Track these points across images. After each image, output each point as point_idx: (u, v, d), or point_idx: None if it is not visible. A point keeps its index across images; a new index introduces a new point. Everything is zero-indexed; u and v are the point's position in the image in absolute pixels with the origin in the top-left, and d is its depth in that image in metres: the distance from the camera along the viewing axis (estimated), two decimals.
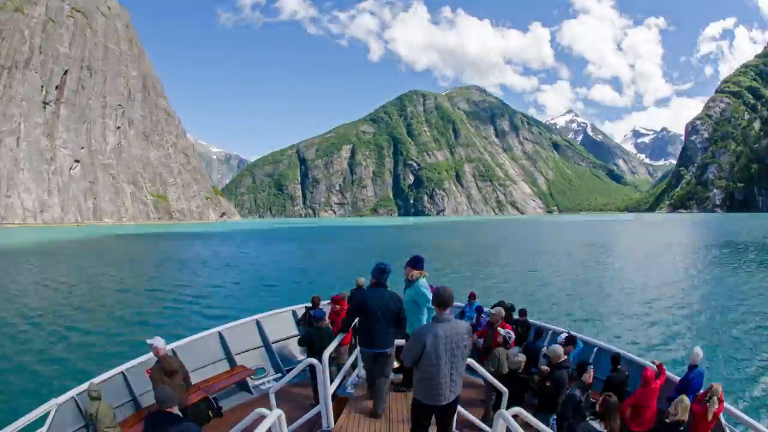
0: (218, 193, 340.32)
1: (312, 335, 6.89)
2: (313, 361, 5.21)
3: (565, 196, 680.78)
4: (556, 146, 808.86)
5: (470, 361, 5.06)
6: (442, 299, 4.24)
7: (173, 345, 7.47)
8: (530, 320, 9.07)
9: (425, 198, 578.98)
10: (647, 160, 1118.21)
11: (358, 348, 6.31)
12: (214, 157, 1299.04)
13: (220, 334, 8.50)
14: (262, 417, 3.48)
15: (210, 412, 7.04)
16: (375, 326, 5.48)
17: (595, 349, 8.16)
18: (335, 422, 5.37)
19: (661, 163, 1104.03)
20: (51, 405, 5.64)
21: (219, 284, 27.24)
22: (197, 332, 8.38)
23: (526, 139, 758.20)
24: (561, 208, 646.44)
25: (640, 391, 5.95)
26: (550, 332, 8.86)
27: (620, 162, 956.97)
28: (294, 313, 9.74)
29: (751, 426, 5.25)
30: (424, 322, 5.31)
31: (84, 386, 6.04)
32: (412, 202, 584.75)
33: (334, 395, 5.60)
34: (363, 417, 5.55)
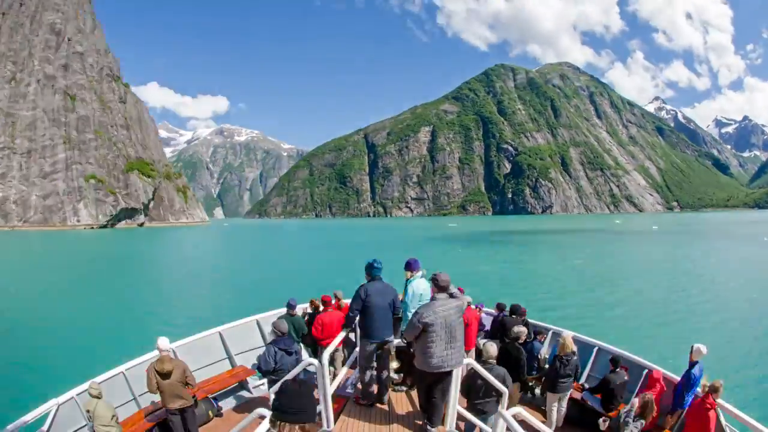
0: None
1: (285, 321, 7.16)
2: (313, 361, 5.33)
3: (682, 189, 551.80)
4: (660, 131, 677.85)
5: (470, 361, 5.40)
6: (438, 284, 5.15)
7: (173, 345, 7.50)
8: (529, 320, 9.16)
9: (527, 191, 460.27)
10: (734, 151, 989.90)
11: (357, 347, 6.51)
12: (285, 153, 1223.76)
13: (221, 334, 8.55)
14: (262, 417, 3.50)
15: (210, 412, 7.05)
16: (378, 316, 5.95)
17: (595, 349, 8.35)
18: (335, 422, 5.38)
19: (747, 154, 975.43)
20: (52, 404, 5.65)
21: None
22: (198, 332, 8.43)
23: (630, 122, 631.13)
24: (682, 204, 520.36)
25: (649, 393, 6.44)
26: (550, 332, 9.13)
27: (714, 153, 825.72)
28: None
29: (752, 426, 5.19)
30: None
31: (85, 386, 6.02)
32: (510, 196, 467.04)
33: (333, 395, 5.65)
34: (363, 417, 5.58)
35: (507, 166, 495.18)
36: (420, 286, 6.27)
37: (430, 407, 5.34)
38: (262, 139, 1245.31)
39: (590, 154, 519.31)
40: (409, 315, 5.82)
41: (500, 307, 9.15)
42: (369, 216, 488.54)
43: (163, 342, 6.24)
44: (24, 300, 24.76)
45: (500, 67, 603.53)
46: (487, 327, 9.21)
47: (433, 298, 5.18)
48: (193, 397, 6.51)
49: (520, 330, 7.22)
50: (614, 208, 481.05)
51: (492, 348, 5.96)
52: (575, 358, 6.94)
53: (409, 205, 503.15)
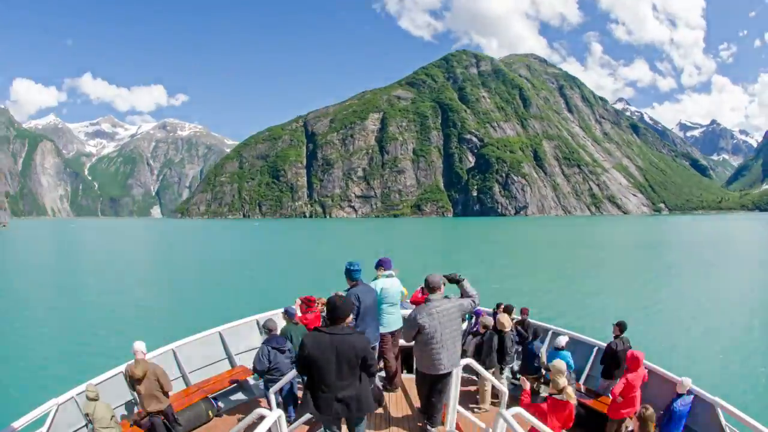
0: None
1: (289, 330, 7.13)
2: None
3: (667, 190, 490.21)
4: (635, 129, 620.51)
5: (470, 360, 5.46)
6: (428, 285, 5.10)
7: (173, 345, 7.64)
8: (530, 320, 9.36)
9: (496, 188, 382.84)
10: (702, 155, 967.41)
11: None
12: (227, 150, 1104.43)
13: (220, 334, 8.55)
14: (262, 417, 3.45)
15: (210, 412, 7.04)
16: (370, 318, 6.09)
17: (595, 349, 8.37)
18: None
19: (715, 158, 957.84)
20: (51, 405, 5.61)
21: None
22: (197, 332, 8.42)
23: (603, 119, 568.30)
24: (669, 206, 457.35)
25: (632, 375, 6.16)
26: (550, 332, 9.20)
27: (691, 153, 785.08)
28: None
29: (752, 426, 5.18)
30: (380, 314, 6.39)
31: (84, 386, 6.03)
32: (475, 194, 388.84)
33: None
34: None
35: (470, 160, 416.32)
36: (381, 283, 6.48)
37: (430, 407, 5.37)
38: (206, 134, 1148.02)
39: (565, 149, 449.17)
40: (381, 310, 6.40)
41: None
42: (305, 216, 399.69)
43: (138, 345, 6.15)
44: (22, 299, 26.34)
45: (462, 53, 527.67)
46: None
47: (427, 300, 5.12)
48: (193, 403, 6.67)
49: (487, 320, 7.79)
50: (595, 209, 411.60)
51: (487, 319, 7.42)
52: (505, 335, 7.45)
53: (352, 204, 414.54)
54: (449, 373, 5.13)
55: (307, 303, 8.21)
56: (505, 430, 3.77)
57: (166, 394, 6.23)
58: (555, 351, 7.58)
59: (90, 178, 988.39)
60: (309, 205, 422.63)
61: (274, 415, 3.63)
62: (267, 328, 6.80)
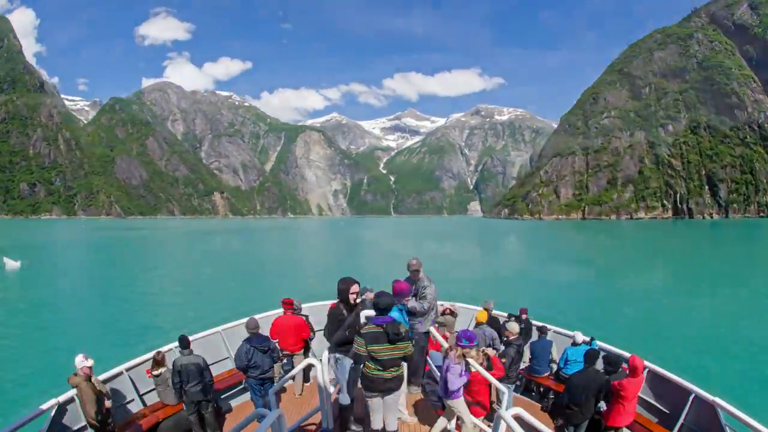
0: None
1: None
2: (313, 361, 5.32)
3: None
4: None
5: (470, 361, 5.36)
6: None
7: (174, 345, 7.47)
8: (532, 320, 9.44)
9: None
10: None
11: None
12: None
13: (221, 334, 8.53)
14: (262, 417, 3.45)
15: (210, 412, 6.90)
16: None
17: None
18: (335, 422, 5.35)
19: None
20: (51, 404, 5.56)
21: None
22: (199, 332, 8.40)
23: None
24: None
25: (627, 381, 5.91)
26: (550, 332, 9.14)
27: None
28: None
29: (751, 426, 5.11)
30: None
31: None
32: None
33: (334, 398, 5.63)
34: (366, 415, 5.38)
35: None
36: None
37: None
38: (529, 118, 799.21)
39: None
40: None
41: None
42: None
43: (77, 359, 5.90)
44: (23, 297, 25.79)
45: None
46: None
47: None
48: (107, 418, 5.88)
49: (512, 326, 7.60)
50: None
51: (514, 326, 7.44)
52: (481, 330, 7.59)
53: None
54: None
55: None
56: (505, 431, 3.71)
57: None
58: (574, 347, 7.82)
59: (385, 171, 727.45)
60: None
61: (273, 414, 3.60)
62: (247, 327, 6.84)
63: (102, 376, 6.35)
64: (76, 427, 5.90)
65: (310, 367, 6.85)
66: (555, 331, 8.98)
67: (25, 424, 4.95)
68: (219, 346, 8.31)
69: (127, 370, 6.85)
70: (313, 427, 5.72)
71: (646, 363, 6.62)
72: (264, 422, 3.34)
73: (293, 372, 6.04)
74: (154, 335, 16.87)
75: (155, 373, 6.85)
